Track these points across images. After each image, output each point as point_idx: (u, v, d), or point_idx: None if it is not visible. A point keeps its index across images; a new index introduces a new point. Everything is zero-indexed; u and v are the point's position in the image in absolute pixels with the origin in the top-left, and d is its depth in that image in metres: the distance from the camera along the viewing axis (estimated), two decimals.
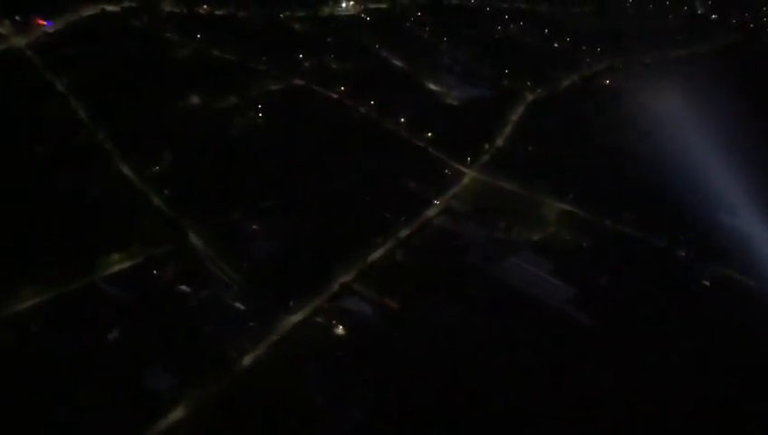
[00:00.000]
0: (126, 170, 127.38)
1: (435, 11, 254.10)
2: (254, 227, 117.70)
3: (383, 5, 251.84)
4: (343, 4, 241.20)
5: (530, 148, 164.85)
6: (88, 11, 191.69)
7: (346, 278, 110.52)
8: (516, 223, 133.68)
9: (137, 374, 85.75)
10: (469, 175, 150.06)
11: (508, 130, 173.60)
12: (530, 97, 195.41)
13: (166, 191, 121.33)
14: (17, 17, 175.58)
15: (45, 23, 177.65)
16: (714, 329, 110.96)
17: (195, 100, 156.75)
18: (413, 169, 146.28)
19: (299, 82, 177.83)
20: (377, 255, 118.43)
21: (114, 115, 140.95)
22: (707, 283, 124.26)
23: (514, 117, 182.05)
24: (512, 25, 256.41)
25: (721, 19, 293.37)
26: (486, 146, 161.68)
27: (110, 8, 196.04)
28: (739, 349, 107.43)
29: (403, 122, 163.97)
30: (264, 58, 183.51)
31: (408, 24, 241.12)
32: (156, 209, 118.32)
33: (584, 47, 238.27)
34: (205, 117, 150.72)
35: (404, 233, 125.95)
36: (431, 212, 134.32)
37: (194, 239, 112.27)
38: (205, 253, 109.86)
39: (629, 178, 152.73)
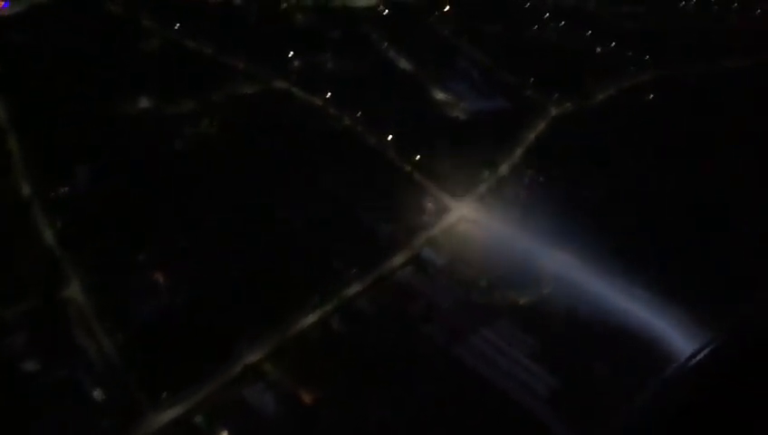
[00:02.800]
0: (25, 190, 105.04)
1: (465, 5, 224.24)
2: (157, 275, 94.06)
3: None
4: None
5: (541, 178, 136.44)
6: None
7: (256, 356, 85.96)
8: (501, 281, 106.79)
9: None
10: (455, 212, 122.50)
11: (519, 153, 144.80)
12: (554, 112, 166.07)
13: (59, 223, 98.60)
14: None
15: (2, 4, 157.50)
16: None
17: (144, 103, 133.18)
18: (386, 201, 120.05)
19: (280, 84, 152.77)
20: (307, 321, 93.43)
21: (37, 119, 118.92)
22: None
23: (531, 136, 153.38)
24: (551, 24, 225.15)
25: None
26: (486, 174, 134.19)
27: None
28: None
29: (391, 139, 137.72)
30: (246, 54, 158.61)
31: (430, 20, 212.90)
32: (39, 246, 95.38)
33: (630, 53, 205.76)
34: (148, 125, 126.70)
35: (351, 290, 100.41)
36: (395, 261, 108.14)
37: (73, 291, 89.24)
38: (79, 311, 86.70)
39: (662, 229, 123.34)
